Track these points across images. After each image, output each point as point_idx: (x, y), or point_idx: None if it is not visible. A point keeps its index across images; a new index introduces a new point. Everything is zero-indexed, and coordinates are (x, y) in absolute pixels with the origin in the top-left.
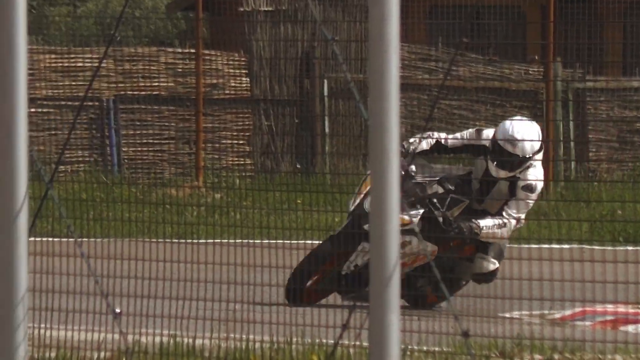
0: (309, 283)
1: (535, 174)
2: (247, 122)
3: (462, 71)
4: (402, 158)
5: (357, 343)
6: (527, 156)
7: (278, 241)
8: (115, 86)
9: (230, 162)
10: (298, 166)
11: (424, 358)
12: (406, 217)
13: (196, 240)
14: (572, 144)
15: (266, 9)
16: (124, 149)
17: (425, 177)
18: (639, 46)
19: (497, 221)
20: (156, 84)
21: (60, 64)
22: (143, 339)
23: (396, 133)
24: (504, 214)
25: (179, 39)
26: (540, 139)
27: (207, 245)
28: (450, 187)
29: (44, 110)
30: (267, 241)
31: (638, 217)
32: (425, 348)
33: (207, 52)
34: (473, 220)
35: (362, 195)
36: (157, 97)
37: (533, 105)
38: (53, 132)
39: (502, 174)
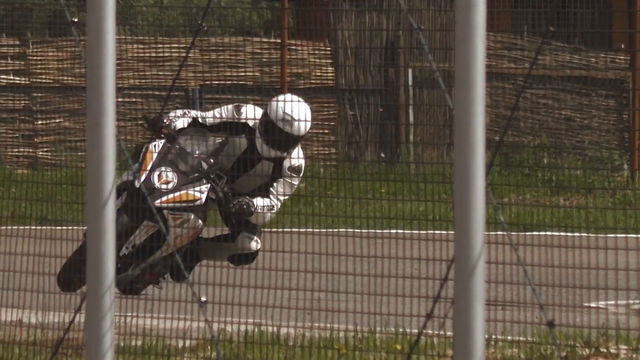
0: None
1: (300, 155)
2: (331, 112)
3: (547, 60)
4: (175, 134)
5: (441, 332)
6: (301, 135)
7: (362, 230)
8: (202, 76)
9: (315, 152)
10: (382, 155)
11: (508, 347)
12: (197, 194)
13: (280, 230)
14: None
15: None
16: None
17: (193, 153)
18: None
19: (267, 202)
20: (242, 73)
21: (147, 54)
22: (228, 328)
23: (481, 122)
24: (271, 196)
25: (264, 29)
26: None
27: (291, 234)
28: (212, 161)
29: (131, 99)
30: (351, 230)
31: None
32: (509, 338)
33: (292, 41)
34: (247, 198)
35: (147, 171)
36: (243, 87)
37: (619, 94)
38: (140, 122)
39: (274, 153)
